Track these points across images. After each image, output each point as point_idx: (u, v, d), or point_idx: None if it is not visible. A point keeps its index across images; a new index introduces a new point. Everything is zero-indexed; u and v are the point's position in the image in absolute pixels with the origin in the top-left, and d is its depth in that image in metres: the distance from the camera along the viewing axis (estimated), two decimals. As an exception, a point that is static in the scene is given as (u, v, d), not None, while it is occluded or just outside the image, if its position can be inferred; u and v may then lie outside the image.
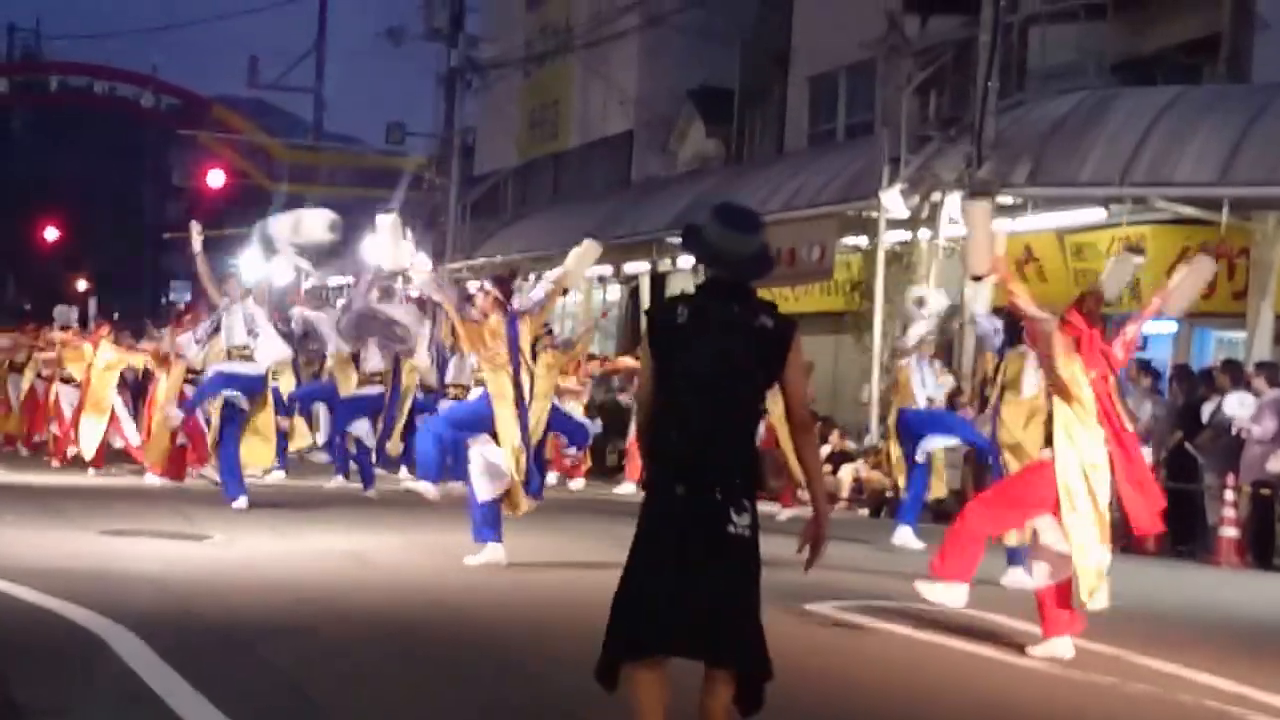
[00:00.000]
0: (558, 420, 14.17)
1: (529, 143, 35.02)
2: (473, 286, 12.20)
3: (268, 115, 46.35)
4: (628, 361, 19.83)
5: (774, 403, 8.39)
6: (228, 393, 14.00)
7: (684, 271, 24.28)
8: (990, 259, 9.23)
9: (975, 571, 8.76)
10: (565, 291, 11.83)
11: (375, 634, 7.91)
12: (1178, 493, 13.88)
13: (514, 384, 10.59)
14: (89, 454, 17.07)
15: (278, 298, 16.12)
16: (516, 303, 10.91)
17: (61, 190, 59.81)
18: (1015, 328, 10.75)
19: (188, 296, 41.77)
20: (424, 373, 16.20)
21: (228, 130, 41.91)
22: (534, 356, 11.12)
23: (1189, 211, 17.04)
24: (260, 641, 7.49)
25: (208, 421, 14.95)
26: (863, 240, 20.53)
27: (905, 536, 13.57)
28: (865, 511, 17.93)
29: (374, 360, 16.09)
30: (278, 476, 17.08)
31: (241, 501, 13.65)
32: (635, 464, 18.35)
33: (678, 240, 20.87)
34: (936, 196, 18.75)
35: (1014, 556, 10.89)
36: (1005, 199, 17.86)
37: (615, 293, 28.99)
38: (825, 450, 18.49)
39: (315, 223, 14.19)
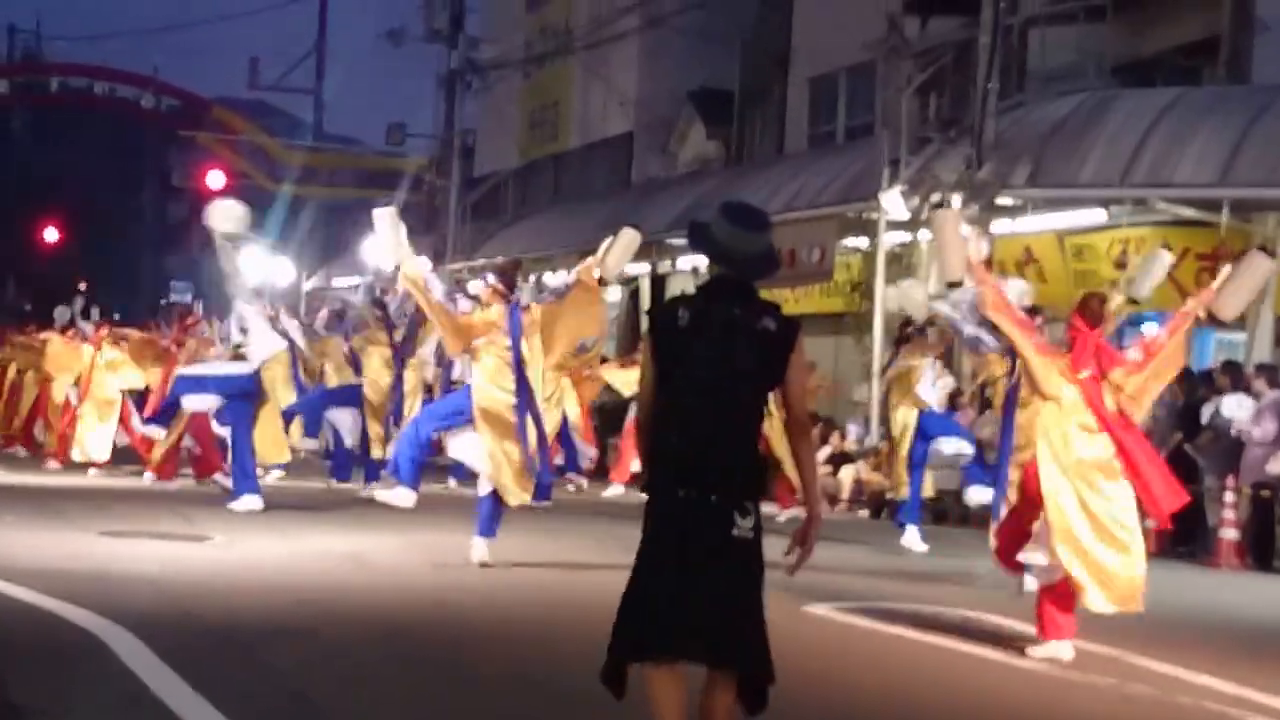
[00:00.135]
0: (563, 435, 14.22)
1: (529, 144, 35.00)
2: (473, 288, 12.19)
3: (268, 116, 46.28)
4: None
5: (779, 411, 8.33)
6: (211, 402, 14.00)
7: (684, 273, 24.28)
8: (963, 265, 9.23)
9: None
10: (604, 283, 11.29)
11: (375, 635, 7.90)
12: (1178, 494, 13.87)
13: (515, 374, 10.58)
14: (102, 457, 17.06)
15: (278, 297, 16.10)
16: (525, 296, 10.89)
17: (61, 191, 59.90)
18: None
19: (188, 297, 41.68)
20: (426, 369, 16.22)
21: (228, 131, 41.87)
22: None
23: (1189, 213, 17.04)
24: (260, 643, 7.49)
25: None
26: (863, 241, 20.55)
27: (912, 538, 13.71)
28: (865, 513, 17.94)
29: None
30: (277, 476, 17.06)
31: (252, 501, 13.56)
32: (624, 464, 18.35)
33: (678, 241, 20.95)
34: (936, 198, 18.73)
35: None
36: (1005, 200, 17.87)
37: (615, 294, 28.95)
38: (826, 451, 18.49)
39: (219, 214, 13.91)
